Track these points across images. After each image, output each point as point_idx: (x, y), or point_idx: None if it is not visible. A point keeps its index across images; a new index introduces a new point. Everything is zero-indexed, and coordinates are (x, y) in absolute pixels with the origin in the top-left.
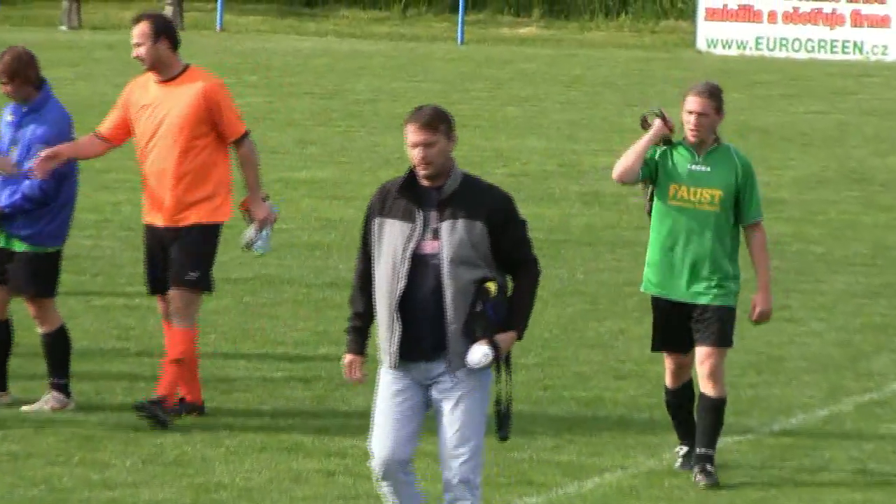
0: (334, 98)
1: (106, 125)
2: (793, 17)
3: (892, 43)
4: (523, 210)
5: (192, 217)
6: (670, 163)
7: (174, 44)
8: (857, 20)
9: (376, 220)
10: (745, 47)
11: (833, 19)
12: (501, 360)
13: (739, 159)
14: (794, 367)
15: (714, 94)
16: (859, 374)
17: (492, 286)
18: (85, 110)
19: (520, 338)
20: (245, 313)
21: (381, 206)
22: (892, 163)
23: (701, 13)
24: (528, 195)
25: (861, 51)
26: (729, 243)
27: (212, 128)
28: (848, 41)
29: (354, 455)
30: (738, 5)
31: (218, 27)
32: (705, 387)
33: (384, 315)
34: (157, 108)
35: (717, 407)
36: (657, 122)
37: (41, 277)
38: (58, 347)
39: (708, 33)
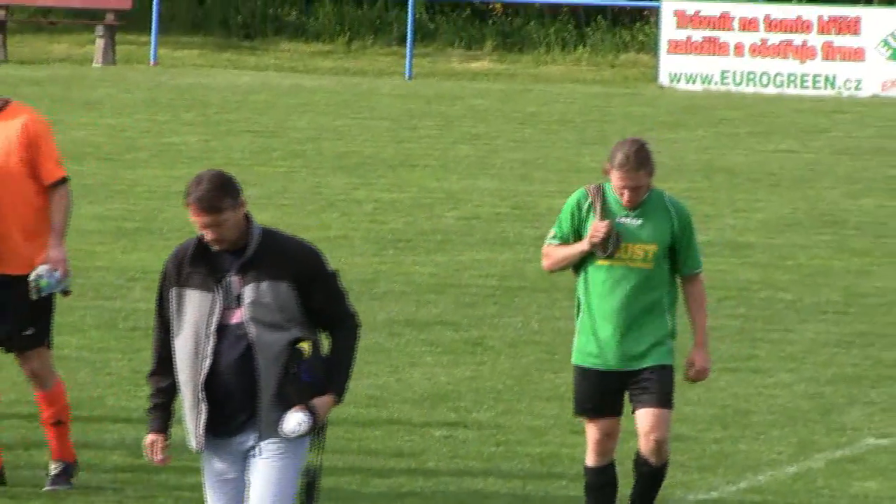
0: (275, 136)
1: None
2: (761, 49)
3: (867, 77)
4: (475, 255)
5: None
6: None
7: None
8: (830, 53)
9: (173, 291)
10: (710, 82)
11: (804, 52)
12: (319, 425)
13: (674, 207)
14: (761, 420)
15: (644, 163)
16: (831, 429)
17: (305, 347)
18: None
19: (339, 401)
20: None
21: (178, 274)
22: (865, 205)
23: (663, 46)
24: (480, 239)
25: (833, 86)
26: (666, 298)
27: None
28: (819, 75)
29: None
30: (703, 37)
31: (152, 61)
32: (649, 453)
33: (188, 395)
34: None
35: (660, 475)
36: (606, 245)
37: None
38: None
39: (671, 67)
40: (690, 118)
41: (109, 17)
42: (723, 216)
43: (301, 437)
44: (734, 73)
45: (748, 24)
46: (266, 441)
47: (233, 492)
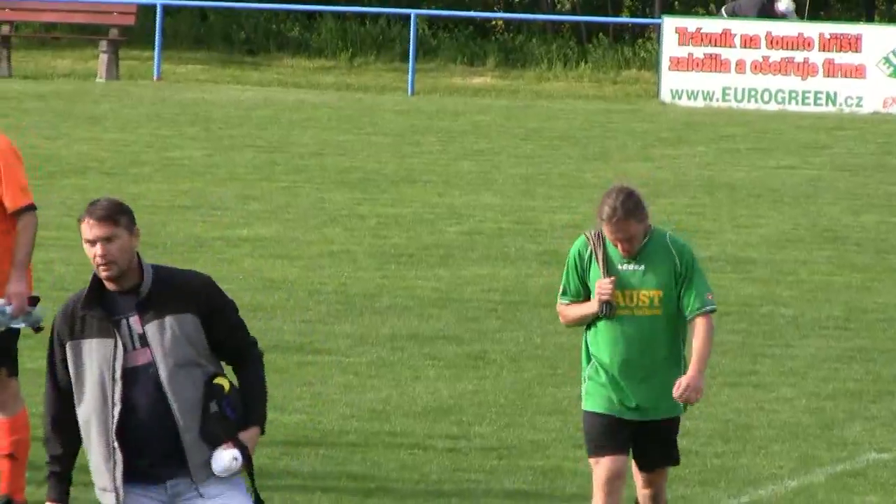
0: (278, 151)
1: None
2: (762, 66)
3: (868, 94)
4: (477, 270)
5: None
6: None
7: None
8: (831, 70)
9: (68, 346)
10: (711, 98)
11: (805, 69)
12: (251, 459)
13: (676, 248)
14: (762, 435)
15: (632, 213)
16: (831, 444)
17: (224, 382)
18: None
19: (262, 432)
20: None
21: (70, 329)
22: (866, 221)
23: (665, 63)
24: (482, 254)
25: (834, 102)
26: (679, 345)
27: None
28: (821, 92)
29: None
30: (704, 54)
31: (155, 76)
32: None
33: (99, 447)
34: None
35: None
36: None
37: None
38: None
39: (672, 84)
40: (692, 134)
41: (113, 33)
42: (724, 232)
43: (235, 474)
44: (735, 90)
45: (749, 41)
46: (204, 485)
47: None
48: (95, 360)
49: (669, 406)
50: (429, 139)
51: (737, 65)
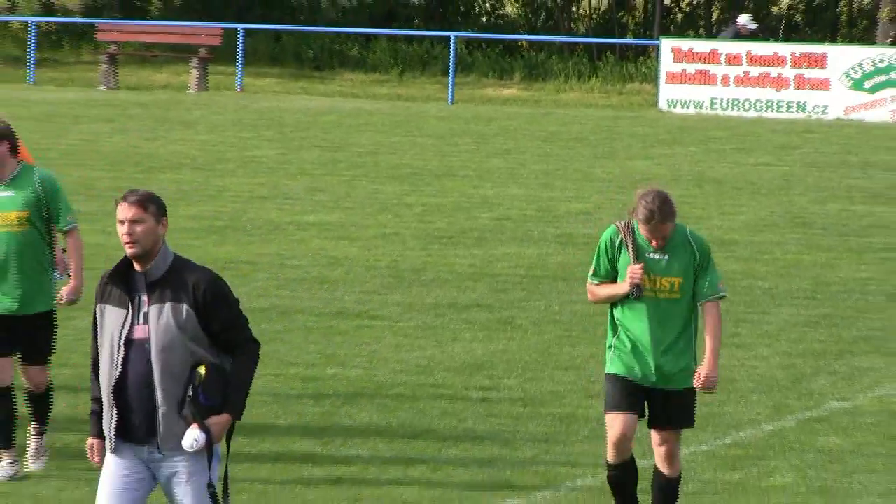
0: (340, 150)
1: None
2: (744, 80)
3: (832, 103)
4: (506, 249)
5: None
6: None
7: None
8: (801, 83)
9: (98, 308)
10: (701, 107)
11: (779, 82)
12: (216, 443)
13: (695, 241)
14: (743, 387)
15: (668, 216)
16: (801, 394)
17: (201, 370)
18: (121, 160)
19: (236, 419)
20: (262, 338)
21: (102, 293)
22: (831, 209)
23: (662, 77)
24: (509, 237)
25: (804, 110)
26: (692, 326)
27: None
28: (792, 101)
29: (358, 463)
30: (696, 70)
31: (238, 88)
32: (665, 467)
33: (105, 400)
34: None
35: (674, 486)
36: (632, 290)
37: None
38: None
39: (668, 95)
40: (685, 137)
41: (202, 52)
42: (711, 218)
43: (197, 452)
44: (721, 100)
45: (733, 59)
46: (171, 458)
47: (123, 487)
48: (110, 325)
49: (685, 377)
50: (465, 140)
51: (722, 79)
